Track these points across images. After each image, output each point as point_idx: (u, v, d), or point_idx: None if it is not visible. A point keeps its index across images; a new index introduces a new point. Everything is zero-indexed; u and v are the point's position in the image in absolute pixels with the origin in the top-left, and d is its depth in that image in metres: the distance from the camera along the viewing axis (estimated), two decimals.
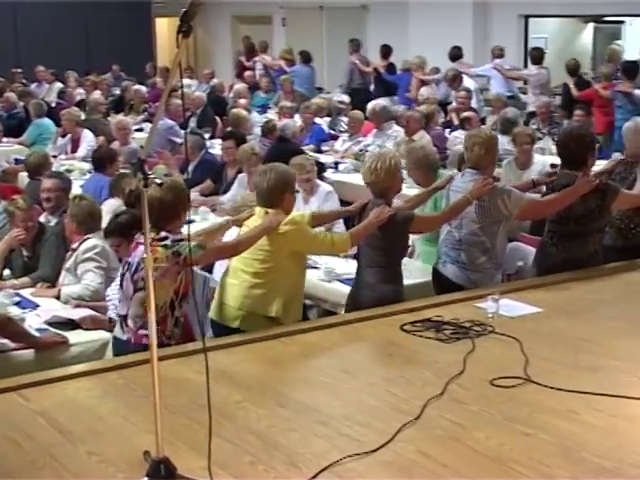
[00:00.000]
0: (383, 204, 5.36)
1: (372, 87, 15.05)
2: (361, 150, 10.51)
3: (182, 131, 11.20)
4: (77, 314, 5.40)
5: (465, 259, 5.66)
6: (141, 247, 4.73)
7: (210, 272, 6.50)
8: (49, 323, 5.33)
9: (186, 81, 15.26)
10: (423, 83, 14.05)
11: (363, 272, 5.49)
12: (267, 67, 16.48)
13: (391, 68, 14.90)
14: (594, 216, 5.78)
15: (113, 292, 5.64)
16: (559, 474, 3.18)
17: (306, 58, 15.68)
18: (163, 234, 4.71)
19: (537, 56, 13.35)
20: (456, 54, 14.12)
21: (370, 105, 11.42)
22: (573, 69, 12.94)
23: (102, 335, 5.24)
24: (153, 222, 4.66)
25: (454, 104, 12.41)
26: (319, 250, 5.48)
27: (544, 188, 6.19)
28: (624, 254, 6.12)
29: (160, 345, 4.45)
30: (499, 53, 14.13)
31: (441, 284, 5.76)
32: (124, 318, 4.81)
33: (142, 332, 4.64)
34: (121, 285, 4.93)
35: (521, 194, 5.70)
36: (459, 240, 5.69)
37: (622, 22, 16.69)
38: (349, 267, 6.28)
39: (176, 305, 4.73)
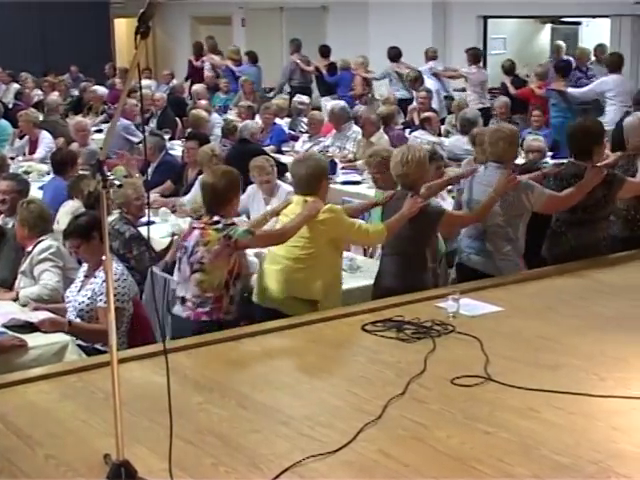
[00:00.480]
0: (414, 195, 5.51)
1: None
2: (321, 151, 10.52)
3: (138, 131, 11.14)
4: (36, 317, 5.34)
5: (491, 248, 5.84)
6: (196, 231, 5.11)
7: (170, 273, 6.46)
8: (7, 326, 5.25)
9: (145, 82, 15.17)
10: (365, 81, 14.32)
11: (387, 260, 5.67)
12: (215, 67, 16.51)
13: (332, 67, 15.07)
14: (601, 205, 6.04)
15: (72, 293, 5.60)
16: (519, 472, 3.20)
17: (253, 58, 15.88)
18: (216, 218, 5.05)
19: (475, 55, 13.62)
20: (395, 54, 14.30)
21: (329, 106, 11.44)
22: (509, 69, 13.32)
23: (61, 338, 5.18)
24: (207, 207, 5.11)
25: (415, 104, 12.47)
26: (355, 239, 5.66)
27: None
28: (629, 245, 6.33)
29: (217, 322, 5.01)
30: (432, 55, 14.34)
31: (467, 277, 5.83)
32: (183, 298, 5.13)
33: (200, 310, 5.06)
34: (179, 268, 5.21)
35: (542, 189, 5.88)
36: (483, 231, 5.85)
37: (579, 23, 16.86)
38: None
39: (230, 284, 5.07)
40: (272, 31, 18.11)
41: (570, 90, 11.92)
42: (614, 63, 11.88)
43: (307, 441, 3.45)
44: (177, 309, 5.22)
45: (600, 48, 14.48)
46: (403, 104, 12.88)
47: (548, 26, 17.22)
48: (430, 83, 13.26)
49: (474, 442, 3.42)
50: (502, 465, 3.24)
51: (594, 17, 15.82)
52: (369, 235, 5.42)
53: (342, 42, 15.35)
